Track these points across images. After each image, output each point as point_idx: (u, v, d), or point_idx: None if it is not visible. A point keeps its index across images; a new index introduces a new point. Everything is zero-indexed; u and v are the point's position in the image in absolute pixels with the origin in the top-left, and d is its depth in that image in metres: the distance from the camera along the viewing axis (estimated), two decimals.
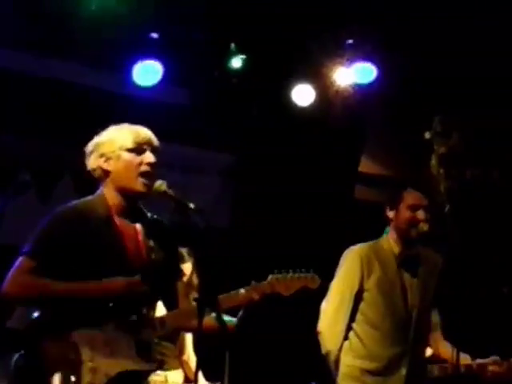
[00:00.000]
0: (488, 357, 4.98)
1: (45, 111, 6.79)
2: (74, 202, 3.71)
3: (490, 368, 4.91)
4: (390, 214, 4.89)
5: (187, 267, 5.64)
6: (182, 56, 6.88)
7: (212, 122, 7.49)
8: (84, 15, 6.16)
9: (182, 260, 5.63)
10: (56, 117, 6.79)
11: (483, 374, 4.89)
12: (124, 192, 3.70)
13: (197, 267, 5.39)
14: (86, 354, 3.46)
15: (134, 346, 3.55)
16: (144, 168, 3.67)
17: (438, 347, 5.03)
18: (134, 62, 6.79)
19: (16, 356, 3.52)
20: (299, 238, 7.13)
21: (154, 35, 6.71)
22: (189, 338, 5.54)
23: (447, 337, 5.02)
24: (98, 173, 3.74)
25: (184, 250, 5.66)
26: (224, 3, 6.50)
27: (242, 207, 7.91)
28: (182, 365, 5.60)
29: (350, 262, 4.85)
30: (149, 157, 3.70)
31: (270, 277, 3.76)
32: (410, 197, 4.83)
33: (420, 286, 4.85)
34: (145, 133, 3.76)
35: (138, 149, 3.70)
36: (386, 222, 4.94)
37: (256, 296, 3.70)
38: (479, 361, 4.95)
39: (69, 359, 3.45)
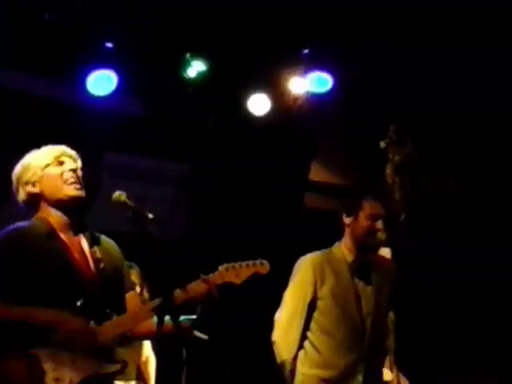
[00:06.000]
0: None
1: None
2: (13, 226, 3.70)
3: None
4: (347, 220, 4.87)
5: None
6: (136, 66, 6.85)
7: (167, 132, 7.46)
8: (39, 24, 6.13)
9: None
10: (7, 128, 6.69)
11: None
12: (60, 204, 3.73)
13: (146, 281, 5.40)
14: (47, 364, 3.46)
15: (94, 351, 3.55)
16: (67, 175, 3.73)
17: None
18: (89, 71, 6.75)
19: None
20: (254, 247, 7.11)
21: (109, 45, 6.68)
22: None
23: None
24: (30, 201, 3.78)
25: (133, 272, 5.62)
26: (180, 13, 6.49)
27: (197, 217, 7.89)
28: (140, 368, 5.57)
29: (303, 271, 4.83)
30: (69, 164, 3.77)
31: (219, 267, 3.78)
32: (370, 206, 4.80)
33: (374, 294, 4.84)
34: (57, 147, 3.84)
35: (57, 161, 3.78)
36: (341, 228, 4.93)
37: (208, 287, 3.69)
38: None
39: (31, 372, 3.44)
